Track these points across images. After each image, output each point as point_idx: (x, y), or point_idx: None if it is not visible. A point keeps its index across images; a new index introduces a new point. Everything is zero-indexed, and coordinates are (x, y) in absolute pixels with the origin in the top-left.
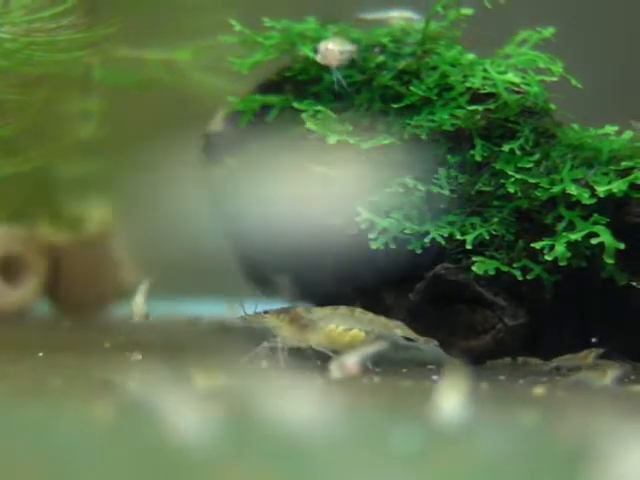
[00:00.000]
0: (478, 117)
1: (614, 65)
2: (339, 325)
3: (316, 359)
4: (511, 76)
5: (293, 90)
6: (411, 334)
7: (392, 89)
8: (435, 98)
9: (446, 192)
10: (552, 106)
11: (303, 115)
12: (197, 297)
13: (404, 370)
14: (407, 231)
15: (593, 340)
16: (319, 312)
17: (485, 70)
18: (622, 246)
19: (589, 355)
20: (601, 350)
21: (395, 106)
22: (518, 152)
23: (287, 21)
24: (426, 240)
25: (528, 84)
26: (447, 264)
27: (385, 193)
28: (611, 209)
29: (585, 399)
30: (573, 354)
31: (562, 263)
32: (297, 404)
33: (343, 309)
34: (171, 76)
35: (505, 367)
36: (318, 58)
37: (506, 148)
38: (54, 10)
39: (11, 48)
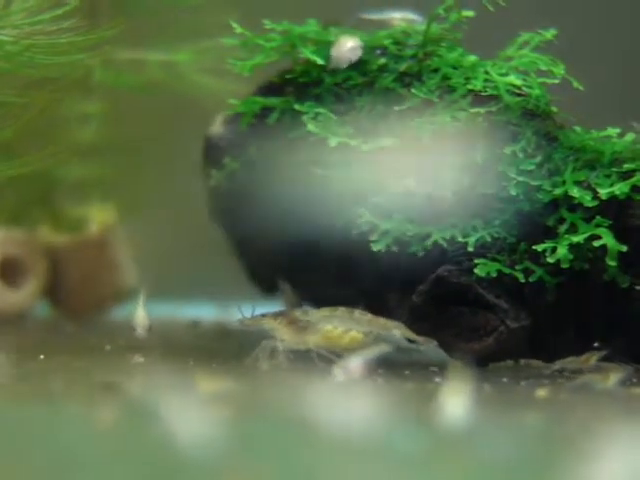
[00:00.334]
0: (480, 119)
1: (614, 66)
2: (337, 326)
3: (318, 361)
4: (513, 78)
5: (294, 92)
6: (410, 335)
7: (394, 91)
8: (437, 100)
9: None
10: (554, 109)
11: (304, 117)
12: (197, 299)
13: (407, 372)
14: (409, 233)
15: (595, 345)
16: (317, 314)
17: (487, 72)
18: (624, 248)
19: (591, 357)
20: (603, 352)
21: (397, 108)
22: (520, 154)
23: (288, 23)
24: (428, 242)
25: (530, 86)
26: (449, 266)
27: (387, 195)
28: (613, 211)
29: (588, 402)
30: (575, 356)
31: (564, 265)
32: (301, 407)
33: (341, 310)
34: (172, 78)
35: (507, 369)
36: (337, 57)
37: (508, 150)
38: (55, 12)
39: (12, 51)
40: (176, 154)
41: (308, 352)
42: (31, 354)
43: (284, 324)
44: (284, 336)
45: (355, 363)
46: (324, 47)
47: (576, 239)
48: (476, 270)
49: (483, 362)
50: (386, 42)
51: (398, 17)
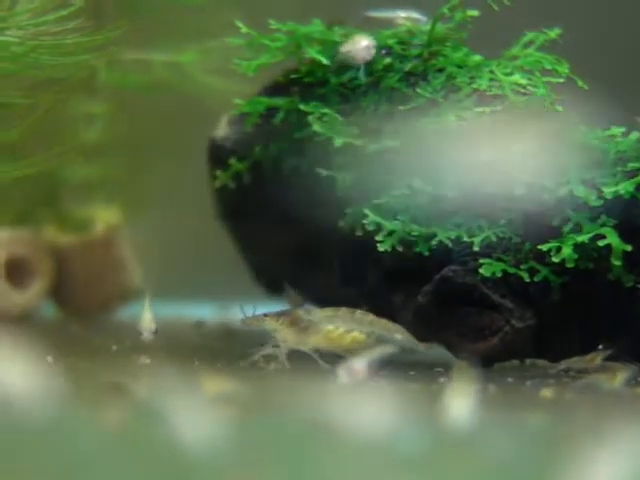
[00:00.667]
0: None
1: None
2: (339, 327)
3: (321, 362)
4: (517, 77)
5: (299, 92)
6: (411, 340)
7: (399, 91)
8: (442, 100)
9: (453, 194)
10: (558, 107)
11: (309, 117)
12: (202, 299)
13: (412, 373)
14: (414, 233)
15: (600, 347)
16: (319, 314)
17: (492, 72)
18: (629, 248)
19: (596, 357)
20: (608, 352)
21: (402, 108)
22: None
23: (293, 23)
24: (433, 242)
25: (534, 85)
26: (454, 266)
27: (392, 195)
28: (618, 210)
29: (594, 402)
30: (581, 356)
31: (569, 265)
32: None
33: (343, 311)
34: (177, 78)
35: (513, 369)
36: (352, 54)
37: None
38: (60, 13)
39: (18, 52)
40: (181, 154)
41: (311, 353)
42: (38, 355)
43: (286, 324)
44: (286, 337)
45: (359, 364)
46: (329, 47)
47: (581, 238)
48: (481, 270)
49: (488, 362)
50: (391, 42)
51: (403, 16)
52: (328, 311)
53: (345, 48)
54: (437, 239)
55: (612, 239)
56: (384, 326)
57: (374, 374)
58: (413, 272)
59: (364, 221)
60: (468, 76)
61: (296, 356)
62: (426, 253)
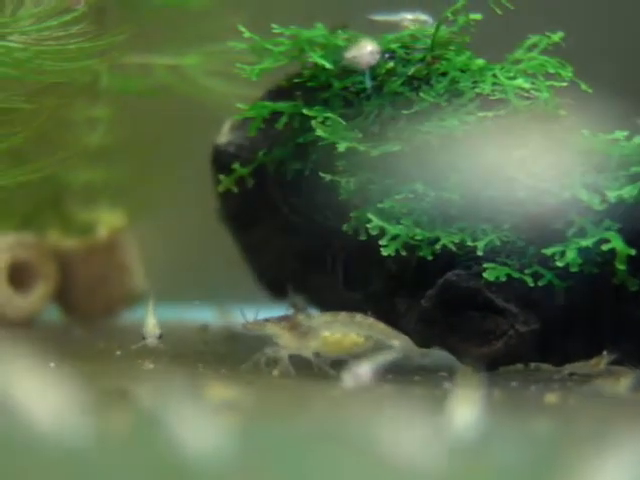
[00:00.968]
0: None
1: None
2: (338, 331)
3: (324, 367)
4: (521, 81)
5: (303, 96)
6: (410, 346)
7: (402, 95)
8: (445, 104)
9: (456, 198)
10: (562, 112)
11: (313, 122)
12: (206, 303)
13: (416, 378)
14: (418, 237)
15: (604, 351)
16: (319, 319)
17: (495, 76)
18: (633, 252)
19: (601, 361)
20: (612, 356)
21: (405, 112)
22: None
23: (296, 27)
24: (437, 246)
25: (538, 90)
26: (458, 270)
27: (395, 199)
28: (622, 214)
29: (598, 407)
30: (585, 360)
31: (573, 269)
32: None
33: (343, 315)
34: (180, 82)
35: (517, 373)
36: (356, 58)
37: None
38: (63, 18)
39: (21, 57)
40: (184, 158)
41: (313, 357)
42: (41, 360)
43: (287, 329)
44: (286, 342)
45: (364, 369)
46: (332, 51)
47: (585, 243)
48: (485, 274)
49: (493, 366)
50: (394, 46)
51: (410, 18)
52: (328, 316)
53: (350, 54)
54: (441, 243)
55: (616, 243)
56: (383, 330)
57: (378, 379)
58: (417, 276)
59: (368, 225)
60: (471, 80)
61: (299, 361)
62: (430, 257)
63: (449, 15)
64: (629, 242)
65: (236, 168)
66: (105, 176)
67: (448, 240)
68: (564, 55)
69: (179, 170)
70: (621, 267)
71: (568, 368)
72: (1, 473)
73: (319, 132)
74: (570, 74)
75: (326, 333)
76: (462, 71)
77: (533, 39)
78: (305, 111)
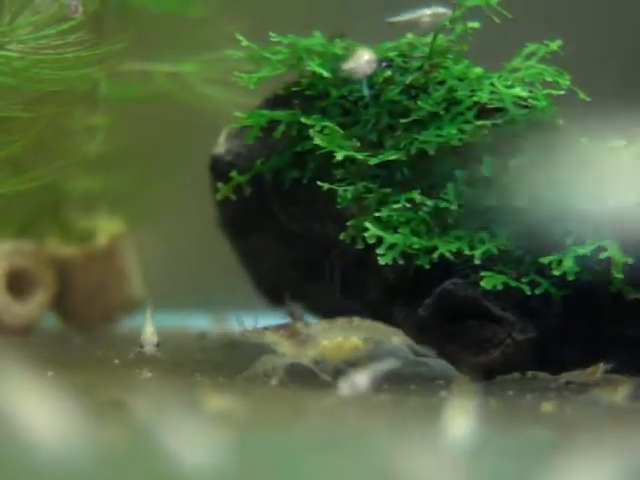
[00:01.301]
0: (486, 132)
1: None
2: (336, 336)
3: (322, 375)
4: (518, 90)
5: (300, 105)
6: (410, 343)
7: (400, 104)
8: (443, 113)
9: (454, 207)
10: (560, 120)
11: (310, 130)
12: (204, 310)
13: (412, 386)
14: (415, 246)
15: (601, 360)
16: (317, 326)
17: (492, 84)
18: (630, 260)
19: (598, 370)
20: (609, 365)
21: (403, 121)
22: (526, 167)
23: (294, 36)
24: (434, 255)
25: (535, 98)
26: (456, 279)
27: (392, 208)
28: (620, 223)
29: (594, 416)
30: (582, 369)
31: (570, 278)
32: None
33: (340, 321)
34: (178, 90)
35: (514, 382)
36: (354, 69)
37: (514, 163)
38: (61, 27)
39: (18, 66)
40: (183, 165)
41: (311, 365)
42: (39, 369)
43: (285, 337)
44: (285, 350)
45: (361, 378)
46: (330, 60)
47: (582, 251)
48: (482, 283)
49: (490, 375)
50: (392, 54)
51: (429, 13)
52: (325, 323)
53: (348, 65)
54: (438, 252)
55: (613, 252)
56: (381, 331)
57: (375, 387)
58: (414, 285)
59: (365, 234)
60: (469, 89)
61: (297, 370)
62: (427, 266)
63: (447, 24)
64: (626, 251)
65: (234, 176)
66: (104, 184)
67: (445, 249)
68: (563, 63)
69: (178, 177)
70: (618, 276)
71: (565, 377)
72: None
73: (317, 141)
74: (568, 82)
75: (325, 341)
76: (460, 79)
77: (531, 47)
78: (303, 120)
